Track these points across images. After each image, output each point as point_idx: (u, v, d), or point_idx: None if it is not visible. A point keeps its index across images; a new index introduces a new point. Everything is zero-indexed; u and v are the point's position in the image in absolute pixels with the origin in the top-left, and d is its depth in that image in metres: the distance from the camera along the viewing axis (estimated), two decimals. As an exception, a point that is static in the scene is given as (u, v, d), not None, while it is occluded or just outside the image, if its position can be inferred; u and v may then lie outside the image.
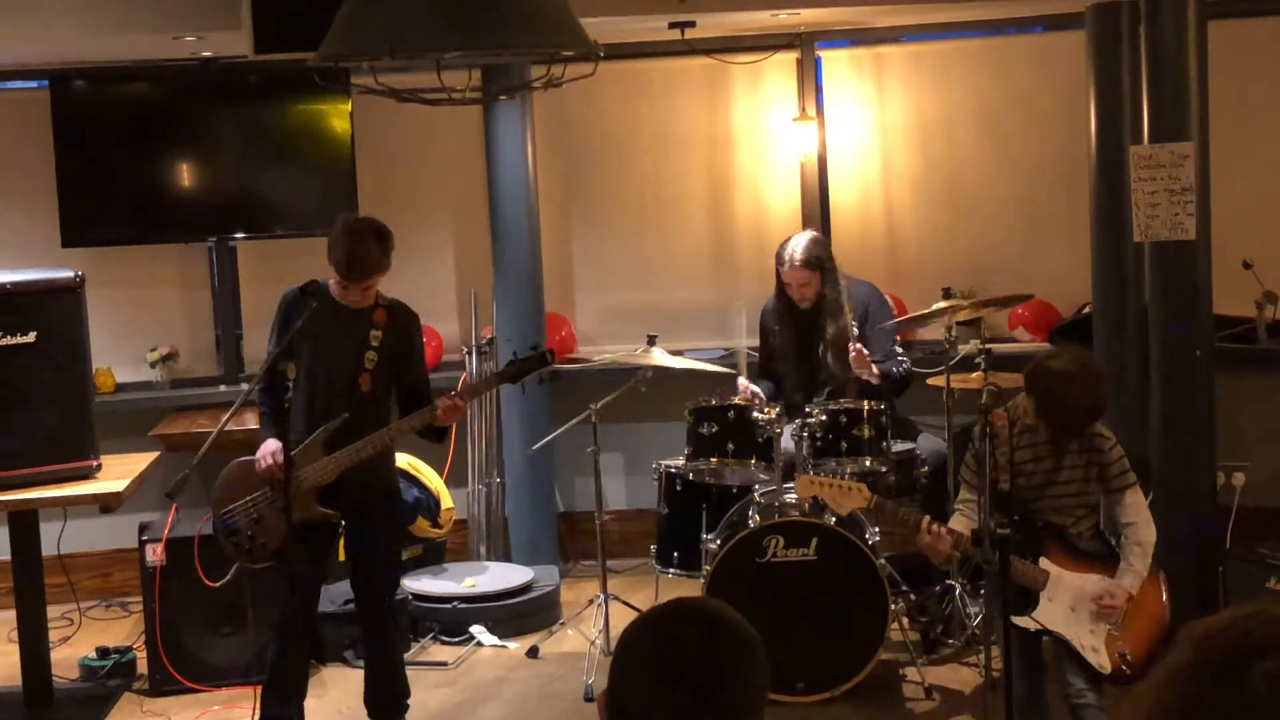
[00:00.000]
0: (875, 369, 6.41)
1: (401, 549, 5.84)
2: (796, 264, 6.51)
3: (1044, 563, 4.94)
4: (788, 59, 7.87)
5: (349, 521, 5.45)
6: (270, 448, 5.29)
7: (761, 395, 6.46)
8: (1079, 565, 4.96)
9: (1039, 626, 4.92)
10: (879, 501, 5.13)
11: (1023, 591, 4.90)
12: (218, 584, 5.97)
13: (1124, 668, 4.88)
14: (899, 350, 6.67)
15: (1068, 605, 4.92)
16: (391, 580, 5.71)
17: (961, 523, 5.04)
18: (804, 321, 6.63)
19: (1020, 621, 4.87)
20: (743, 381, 6.50)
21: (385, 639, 5.61)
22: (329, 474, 5.25)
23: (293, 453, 5.14)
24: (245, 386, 5.43)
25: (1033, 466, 4.99)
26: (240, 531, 5.39)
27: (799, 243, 6.60)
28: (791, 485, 5.94)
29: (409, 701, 5.68)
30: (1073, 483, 5.00)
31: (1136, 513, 5.00)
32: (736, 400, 6.22)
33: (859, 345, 6.36)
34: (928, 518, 4.98)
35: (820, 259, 6.54)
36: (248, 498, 5.37)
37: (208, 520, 5.70)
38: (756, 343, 6.88)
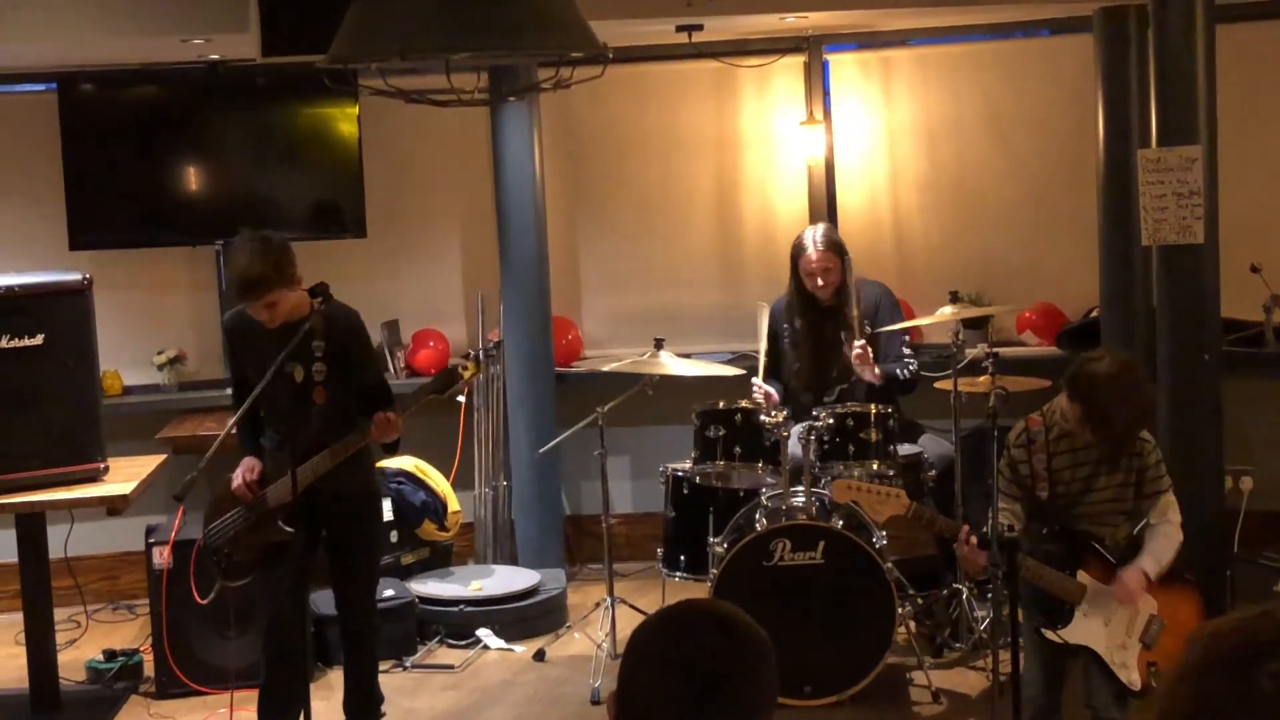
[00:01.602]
0: (877, 370, 6.41)
1: (380, 557, 5.73)
2: (820, 248, 6.52)
3: (1081, 576, 4.84)
4: (795, 62, 7.87)
5: (329, 532, 5.37)
6: (244, 466, 5.32)
7: (775, 397, 6.45)
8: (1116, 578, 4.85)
9: (1072, 642, 4.81)
10: (917, 509, 4.99)
11: (1057, 603, 4.81)
12: (205, 600, 5.97)
13: (1153, 684, 4.76)
14: (907, 352, 6.66)
15: (1102, 620, 4.81)
16: (370, 588, 5.56)
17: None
18: (820, 316, 6.62)
19: (1051, 635, 4.80)
20: (757, 382, 6.49)
21: (363, 649, 5.52)
22: (291, 492, 5.20)
23: (267, 471, 5.21)
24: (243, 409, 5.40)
25: (1070, 474, 4.86)
26: (219, 550, 5.38)
27: (818, 229, 6.66)
28: (798, 489, 5.95)
29: (383, 709, 5.63)
30: (1111, 488, 4.87)
31: (1172, 513, 4.91)
32: (748, 403, 6.22)
33: (862, 343, 6.36)
34: (966, 527, 4.87)
35: (840, 245, 6.59)
36: (225, 516, 5.36)
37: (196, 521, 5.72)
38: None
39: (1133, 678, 4.80)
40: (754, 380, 6.49)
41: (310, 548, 5.31)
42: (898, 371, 6.55)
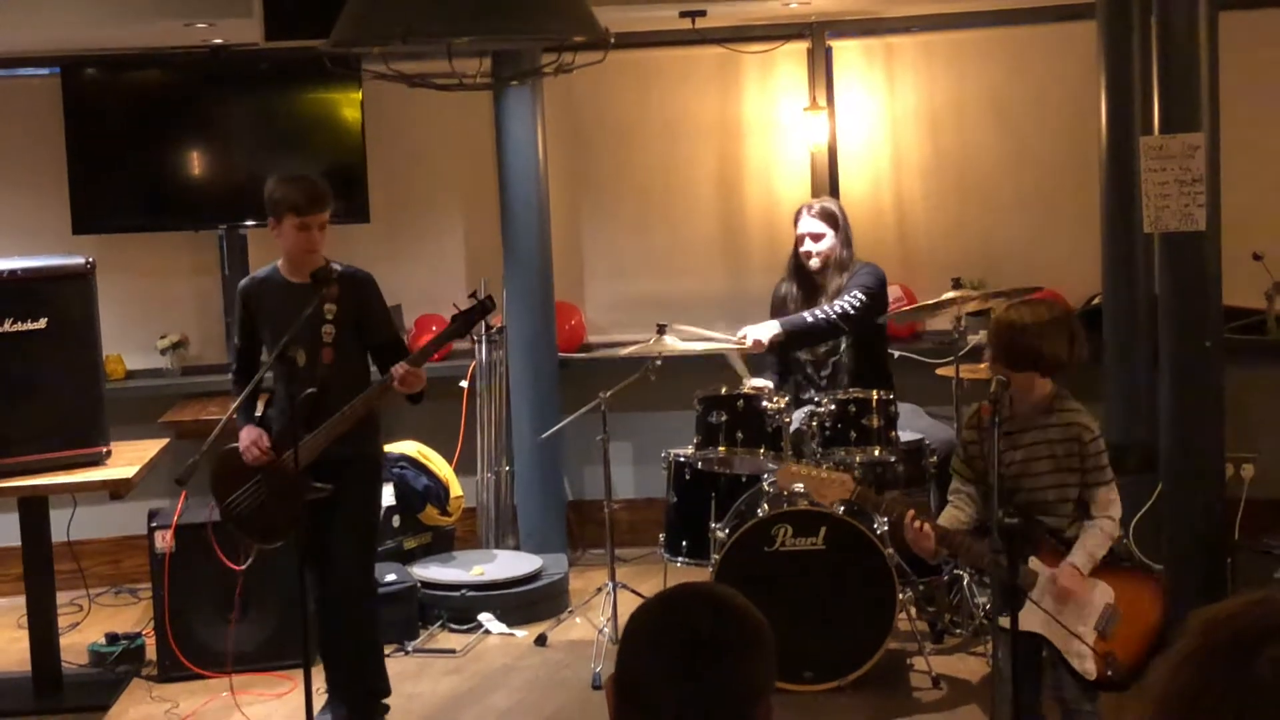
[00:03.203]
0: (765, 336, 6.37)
1: (376, 522, 5.72)
2: (814, 212, 6.58)
3: (1034, 563, 4.83)
4: (798, 49, 7.86)
5: (328, 498, 5.37)
6: (250, 435, 5.37)
7: (770, 385, 6.44)
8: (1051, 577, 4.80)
9: (1025, 629, 4.72)
10: (862, 492, 5.00)
11: (1010, 590, 4.81)
12: (242, 567, 6.00)
13: (1109, 673, 4.76)
14: (850, 297, 6.47)
15: (1054, 608, 4.81)
16: (360, 554, 5.52)
17: (951, 516, 4.97)
18: (813, 290, 6.62)
19: (1005, 621, 4.78)
20: (755, 383, 6.43)
21: (350, 621, 5.48)
22: (312, 452, 5.25)
23: (275, 435, 5.25)
24: (248, 379, 5.43)
25: (1009, 457, 4.83)
26: (250, 518, 5.43)
27: (819, 198, 6.81)
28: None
29: (387, 701, 5.65)
30: (1046, 474, 4.83)
31: (1107, 509, 4.85)
32: (750, 388, 6.22)
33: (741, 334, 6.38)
34: (912, 511, 4.85)
35: (835, 215, 6.59)
36: (245, 486, 5.41)
37: (214, 509, 5.72)
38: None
39: (1088, 667, 4.76)
40: (751, 382, 6.41)
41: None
42: (805, 317, 6.45)
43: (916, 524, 4.77)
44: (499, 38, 4.62)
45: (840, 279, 6.54)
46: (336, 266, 5.38)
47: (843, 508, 5.79)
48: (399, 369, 5.26)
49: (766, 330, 6.37)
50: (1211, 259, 6.16)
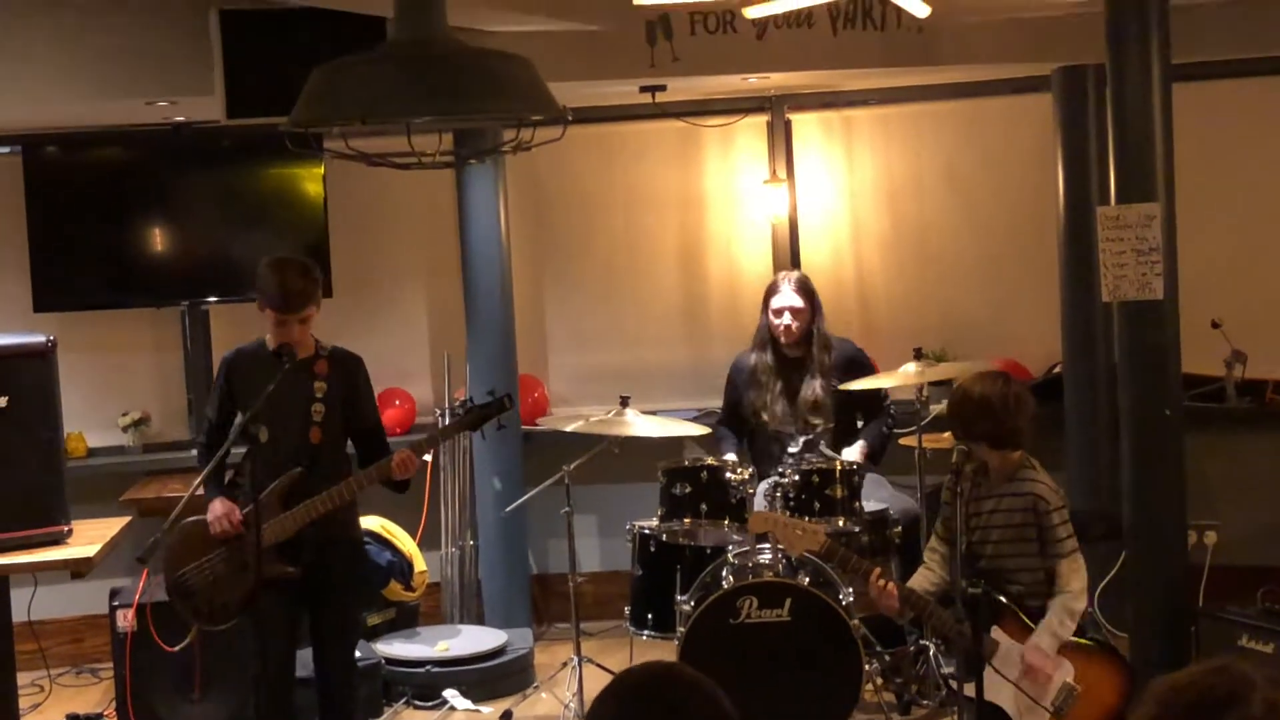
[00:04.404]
0: (860, 456, 6.49)
1: (363, 609, 5.72)
2: (791, 287, 6.66)
3: (996, 632, 4.85)
4: (758, 122, 7.93)
5: (309, 580, 5.33)
6: (222, 508, 5.27)
7: (734, 459, 6.45)
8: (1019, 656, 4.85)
9: (989, 698, 4.75)
10: (831, 546, 5.04)
11: (973, 659, 4.81)
12: (176, 649, 5.92)
13: None
14: (887, 403, 6.80)
15: (1014, 678, 4.80)
16: (350, 644, 5.55)
17: (923, 576, 4.99)
18: (785, 364, 6.67)
19: (955, 685, 4.78)
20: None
21: (343, 706, 5.47)
22: (287, 530, 5.20)
23: (247, 510, 5.14)
24: (217, 452, 5.36)
25: (974, 522, 4.93)
26: (198, 594, 5.33)
27: (793, 273, 6.87)
28: (764, 546, 5.95)
29: None
30: (1004, 542, 4.89)
31: (1071, 581, 4.88)
32: (714, 460, 6.24)
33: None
34: (878, 570, 4.91)
35: (812, 291, 6.71)
36: (202, 559, 5.32)
37: (160, 582, 5.65)
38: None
39: None
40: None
41: (300, 597, 5.30)
42: (883, 430, 6.70)
43: (881, 582, 4.80)
44: (457, 118, 4.64)
45: (816, 352, 6.59)
46: (327, 347, 5.38)
47: (808, 579, 5.79)
48: (401, 453, 5.26)
49: (858, 454, 6.51)
50: (1170, 327, 6.21)
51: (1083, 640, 4.97)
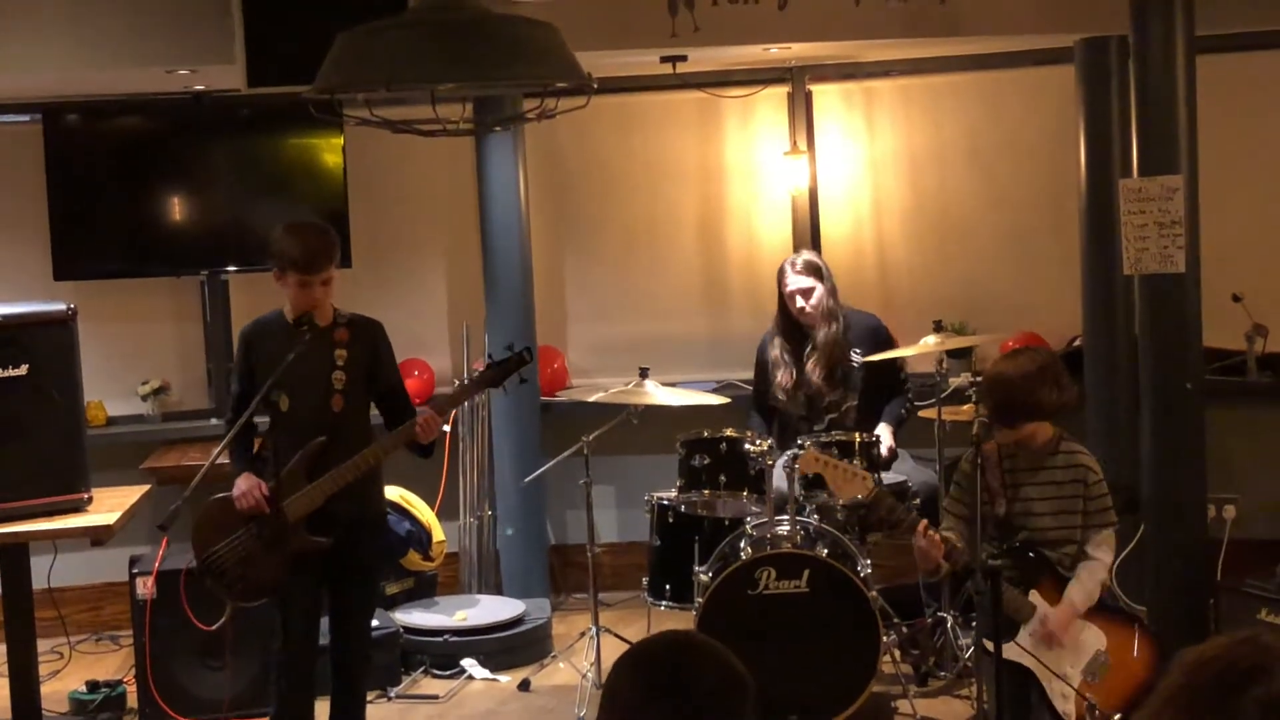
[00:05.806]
0: (891, 440, 6.53)
1: (382, 584, 5.71)
2: (796, 269, 6.71)
3: (1034, 595, 4.88)
4: (779, 93, 7.90)
5: (336, 557, 5.29)
6: (246, 484, 5.20)
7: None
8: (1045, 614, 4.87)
9: (1010, 659, 4.79)
10: (879, 494, 5.11)
11: (1006, 620, 4.81)
12: (213, 627, 5.92)
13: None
14: (903, 377, 6.85)
15: (1045, 643, 4.83)
16: (368, 616, 5.55)
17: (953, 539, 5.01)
18: (806, 343, 6.70)
19: (988, 644, 4.78)
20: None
21: (356, 681, 5.46)
22: (315, 501, 5.17)
23: (272, 484, 5.13)
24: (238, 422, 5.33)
25: (1013, 494, 4.95)
26: (229, 572, 5.28)
27: (797, 255, 6.92)
28: (783, 517, 5.95)
29: None
30: (1049, 514, 4.92)
31: (1104, 552, 4.94)
32: (733, 431, 6.24)
33: (889, 445, 6.50)
34: (925, 522, 4.94)
35: (817, 267, 6.74)
36: (232, 536, 5.25)
37: (191, 562, 5.63)
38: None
39: (1068, 709, 4.76)
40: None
41: (325, 568, 5.29)
42: (902, 412, 6.75)
43: (930, 533, 4.82)
44: (482, 84, 4.63)
45: (831, 328, 6.62)
46: (345, 314, 5.35)
47: (826, 550, 5.78)
48: (424, 414, 5.23)
49: (889, 436, 6.58)
50: (1191, 301, 6.19)
51: (1113, 610, 4.99)
